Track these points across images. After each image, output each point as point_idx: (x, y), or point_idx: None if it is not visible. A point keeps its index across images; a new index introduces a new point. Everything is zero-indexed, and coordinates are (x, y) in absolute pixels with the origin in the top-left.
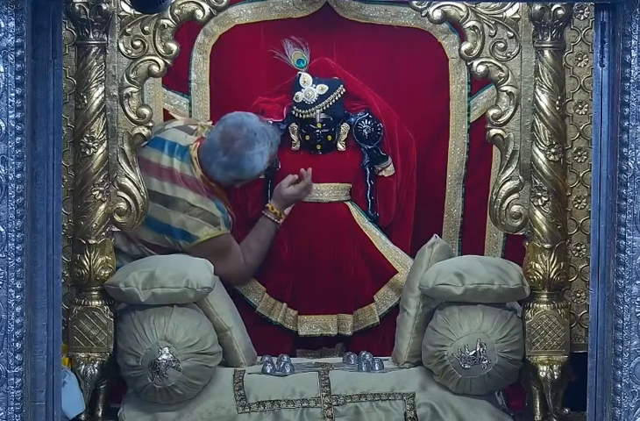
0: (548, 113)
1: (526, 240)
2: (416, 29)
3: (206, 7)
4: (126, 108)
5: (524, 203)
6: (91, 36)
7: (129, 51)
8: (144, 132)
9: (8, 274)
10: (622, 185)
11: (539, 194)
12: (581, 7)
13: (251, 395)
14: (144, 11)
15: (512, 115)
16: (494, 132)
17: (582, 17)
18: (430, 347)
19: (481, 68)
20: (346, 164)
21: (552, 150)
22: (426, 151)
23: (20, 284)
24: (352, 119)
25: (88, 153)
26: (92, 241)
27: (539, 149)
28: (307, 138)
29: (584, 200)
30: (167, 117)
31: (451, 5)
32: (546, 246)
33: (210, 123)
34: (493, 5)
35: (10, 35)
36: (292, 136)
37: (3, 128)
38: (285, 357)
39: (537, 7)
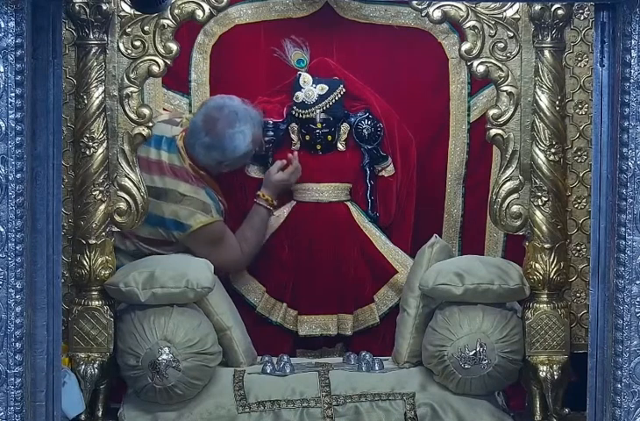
0: (548, 113)
1: (526, 240)
2: (416, 29)
3: (206, 7)
4: (126, 108)
5: (524, 203)
6: (91, 36)
7: (129, 51)
8: (144, 132)
9: (8, 274)
10: (622, 185)
11: (539, 194)
12: (581, 7)
13: (251, 395)
14: (144, 11)
15: (512, 115)
16: (494, 132)
17: (582, 17)
18: (430, 347)
19: (481, 68)
20: (346, 164)
21: (552, 150)
22: (426, 151)
23: (20, 284)
24: (352, 119)
25: (88, 153)
26: (92, 241)
27: (539, 149)
28: (307, 138)
29: (584, 200)
30: None
31: (451, 5)
32: (546, 246)
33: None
34: (493, 5)
35: (10, 35)
36: (292, 136)
37: (3, 128)
38: (285, 357)
39: (537, 7)
